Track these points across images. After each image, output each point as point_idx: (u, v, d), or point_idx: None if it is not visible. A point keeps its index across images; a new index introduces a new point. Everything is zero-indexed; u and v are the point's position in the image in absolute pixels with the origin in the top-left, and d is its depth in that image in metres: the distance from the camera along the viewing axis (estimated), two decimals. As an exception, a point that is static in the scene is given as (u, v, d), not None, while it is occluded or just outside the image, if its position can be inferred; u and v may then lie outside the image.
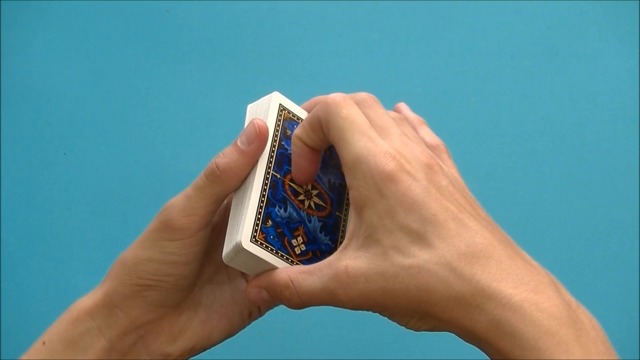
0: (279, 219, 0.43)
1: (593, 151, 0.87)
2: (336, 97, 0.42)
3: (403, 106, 0.50)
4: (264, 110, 0.45)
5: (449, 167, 0.45)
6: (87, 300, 0.48)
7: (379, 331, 0.85)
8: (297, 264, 0.43)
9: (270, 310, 0.88)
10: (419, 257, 0.38)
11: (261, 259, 0.42)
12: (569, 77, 0.88)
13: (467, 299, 0.37)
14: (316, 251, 0.44)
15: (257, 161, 0.44)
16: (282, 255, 0.43)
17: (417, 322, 0.40)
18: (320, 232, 0.45)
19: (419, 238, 0.38)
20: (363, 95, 0.44)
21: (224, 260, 0.43)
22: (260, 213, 0.43)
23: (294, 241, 0.44)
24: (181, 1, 0.88)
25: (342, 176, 0.46)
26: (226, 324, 0.51)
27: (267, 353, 0.85)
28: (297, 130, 0.44)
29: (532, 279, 0.37)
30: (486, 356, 0.39)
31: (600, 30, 0.88)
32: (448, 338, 0.84)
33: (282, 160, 0.45)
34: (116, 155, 0.87)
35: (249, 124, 0.45)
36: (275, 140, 0.44)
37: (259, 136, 0.44)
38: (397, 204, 0.38)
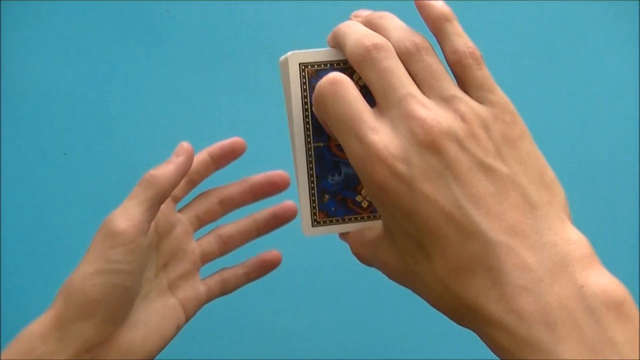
0: (335, 187, 0.43)
1: (593, 151, 0.87)
2: (322, 86, 0.39)
3: (423, 4, 0.46)
4: (285, 75, 0.44)
5: (474, 96, 0.40)
6: (37, 325, 0.48)
7: (379, 331, 0.85)
8: (368, 217, 0.43)
9: (270, 311, 0.88)
10: (423, 267, 0.37)
11: (330, 232, 0.43)
12: (569, 77, 0.88)
13: (461, 314, 0.37)
14: None
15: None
16: (349, 219, 0.43)
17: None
18: None
19: (421, 246, 0.37)
20: (369, 42, 0.40)
21: (305, 235, 0.44)
22: (313, 194, 0.42)
23: (358, 198, 0.43)
24: (181, 1, 0.88)
25: None
26: (161, 339, 0.53)
27: (267, 353, 0.85)
28: (314, 111, 0.43)
29: (524, 276, 0.35)
30: (483, 357, 0.39)
31: (600, 30, 0.88)
32: (448, 338, 0.84)
33: (318, 124, 0.42)
34: (116, 155, 0.87)
35: (179, 146, 0.53)
36: (307, 107, 0.42)
37: (186, 151, 0.52)
38: (396, 211, 0.37)
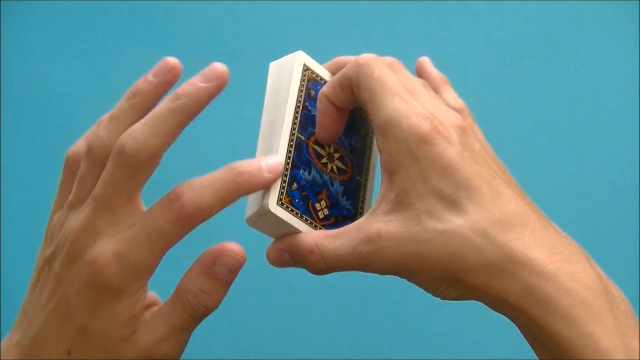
0: (303, 182, 0.42)
1: (593, 151, 0.87)
2: (368, 57, 0.42)
3: (425, 61, 0.50)
4: (288, 69, 0.45)
5: (477, 132, 0.45)
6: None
7: (379, 331, 0.85)
8: (320, 228, 0.43)
9: (270, 311, 0.88)
10: (452, 222, 0.37)
11: (286, 222, 0.41)
12: (569, 77, 0.88)
13: (499, 266, 0.37)
14: (338, 216, 0.44)
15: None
16: (306, 219, 0.42)
17: (446, 289, 0.39)
18: (342, 196, 0.44)
19: (452, 203, 0.37)
20: (390, 59, 0.44)
21: (246, 223, 0.43)
22: (286, 175, 0.42)
23: (317, 205, 0.43)
24: (181, 1, 0.88)
25: (362, 139, 0.46)
26: None
27: (267, 353, 0.85)
28: (326, 89, 0.43)
29: (566, 249, 0.38)
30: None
31: (600, 30, 0.88)
32: (448, 338, 0.84)
33: (305, 121, 0.44)
34: (116, 155, 0.87)
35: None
36: (300, 101, 0.44)
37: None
38: (431, 168, 0.38)
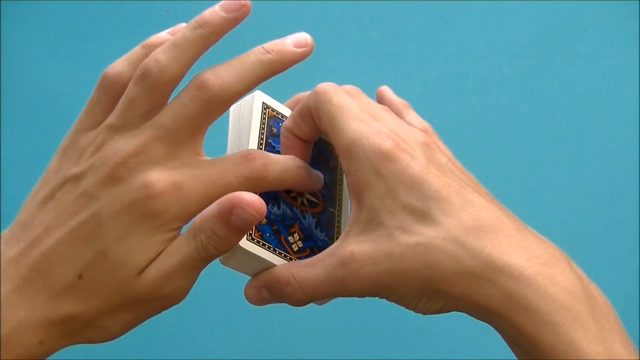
0: (273, 216, 0.42)
1: (593, 151, 0.87)
2: (325, 85, 0.42)
3: (386, 89, 0.50)
4: (247, 110, 0.45)
5: (444, 148, 0.44)
6: None
7: (379, 331, 0.85)
8: (295, 259, 0.42)
9: (270, 310, 0.88)
10: (425, 234, 0.37)
11: (259, 257, 0.41)
12: (569, 77, 0.88)
13: (477, 273, 0.36)
14: (313, 247, 0.43)
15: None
16: (280, 253, 0.42)
17: (426, 302, 0.39)
18: (316, 228, 0.44)
19: (423, 216, 0.37)
20: (349, 87, 0.44)
21: (220, 262, 0.42)
22: None
23: (290, 238, 0.42)
24: (181, 1, 0.88)
25: (331, 172, 0.46)
26: None
27: (267, 353, 0.85)
28: (287, 122, 0.43)
29: (544, 252, 0.37)
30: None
31: (600, 30, 0.88)
32: (448, 338, 0.84)
33: None
34: (116, 155, 0.87)
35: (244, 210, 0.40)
36: (262, 138, 0.44)
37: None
38: (397, 183, 0.37)
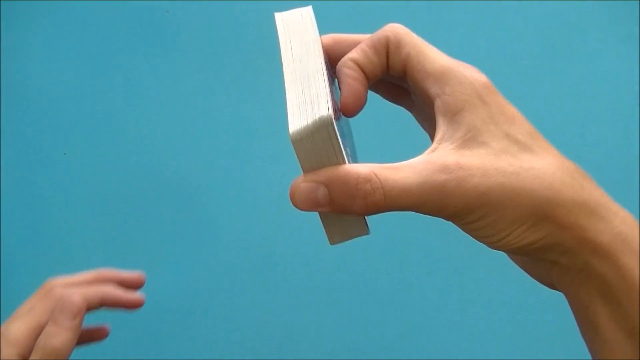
0: (337, 122, 0.36)
1: (593, 151, 0.87)
2: (399, 24, 0.42)
3: None
4: (302, 18, 0.43)
5: None
6: None
7: (379, 331, 0.85)
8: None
9: (270, 310, 0.88)
10: (536, 162, 0.36)
11: (338, 146, 0.34)
12: (569, 77, 0.88)
13: (593, 207, 0.36)
14: None
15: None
16: (347, 153, 0.36)
17: (524, 230, 0.35)
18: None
19: (527, 148, 0.37)
20: None
21: (291, 138, 0.35)
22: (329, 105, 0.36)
23: (346, 149, 0.37)
24: (181, 1, 0.88)
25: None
26: None
27: (267, 353, 0.85)
28: (354, 54, 0.40)
29: (622, 210, 0.38)
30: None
31: (600, 30, 0.88)
32: (447, 338, 0.84)
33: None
34: (116, 156, 0.87)
35: (69, 303, 0.51)
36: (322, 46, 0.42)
37: (82, 312, 0.51)
38: (500, 113, 0.37)
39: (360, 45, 0.40)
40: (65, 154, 0.87)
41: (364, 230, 0.37)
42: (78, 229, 0.87)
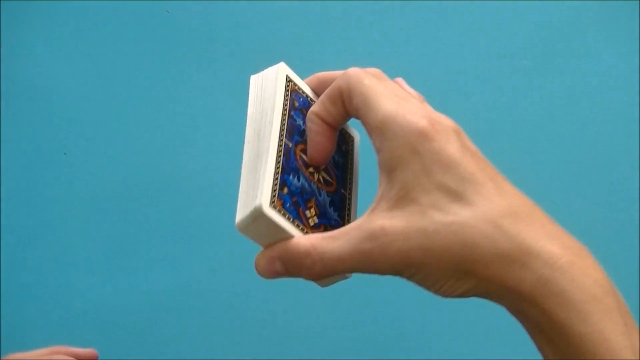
0: (293, 188, 0.41)
1: (593, 151, 0.87)
2: (355, 69, 0.41)
3: (401, 82, 0.50)
4: (272, 80, 0.44)
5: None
6: None
7: (379, 331, 0.85)
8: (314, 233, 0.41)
9: (270, 310, 0.88)
10: (461, 214, 0.37)
11: (279, 226, 0.39)
12: (569, 77, 0.88)
13: (512, 256, 0.36)
14: (327, 225, 0.42)
15: (270, 130, 0.42)
16: (298, 225, 0.40)
17: (454, 283, 0.38)
18: (330, 206, 0.43)
19: (459, 196, 0.37)
20: (375, 70, 0.44)
21: (237, 228, 0.40)
22: (277, 179, 0.40)
23: (307, 212, 0.41)
24: (181, 1, 0.88)
25: (343, 155, 0.46)
26: None
27: (267, 353, 0.85)
28: (315, 108, 0.43)
29: (575, 244, 0.38)
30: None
31: (600, 30, 0.88)
32: (448, 338, 0.84)
33: (292, 129, 0.43)
34: (116, 155, 0.87)
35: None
36: (285, 111, 0.43)
37: None
38: (433, 162, 0.37)
39: (321, 97, 0.43)
40: (65, 154, 0.87)
41: (343, 277, 0.42)
42: (78, 229, 0.87)
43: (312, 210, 0.42)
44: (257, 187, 0.40)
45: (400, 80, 0.49)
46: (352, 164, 0.47)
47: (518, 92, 0.88)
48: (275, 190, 0.40)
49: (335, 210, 0.44)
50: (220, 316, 0.86)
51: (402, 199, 0.38)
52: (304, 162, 0.43)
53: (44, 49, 0.88)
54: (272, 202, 0.39)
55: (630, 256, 0.85)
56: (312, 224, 0.41)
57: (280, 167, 0.41)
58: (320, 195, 0.44)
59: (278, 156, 0.41)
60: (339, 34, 0.88)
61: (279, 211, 0.39)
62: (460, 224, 0.36)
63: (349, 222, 0.44)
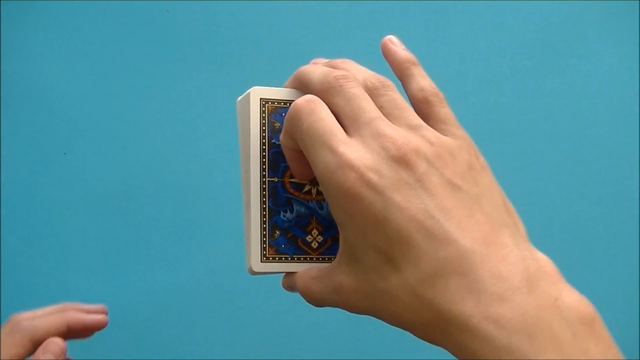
0: (286, 224, 0.42)
1: (593, 151, 0.87)
2: (299, 103, 0.40)
3: (388, 44, 0.47)
4: (245, 110, 0.44)
5: (438, 129, 0.41)
6: None
7: (379, 331, 0.85)
8: (317, 258, 0.43)
9: (270, 310, 0.88)
10: (390, 281, 0.37)
11: (275, 272, 0.43)
12: (569, 77, 0.88)
13: (433, 325, 0.36)
14: (335, 234, 0.43)
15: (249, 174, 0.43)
16: (298, 258, 0.42)
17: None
18: None
19: (389, 259, 0.37)
20: (339, 63, 0.42)
21: (252, 272, 0.44)
22: (265, 229, 0.42)
23: (308, 238, 0.43)
24: (181, 1, 0.88)
25: None
26: None
27: (267, 353, 0.85)
28: (281, 137, 0.42)
29: (500, 284, 0.35)
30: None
31: (600, 30, 0.88)
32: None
33: (276, 160, 0.43)
34: (116, 155, 0.87)
35: (53, 343, 0.53)
36: (264, 142, 0.42)
37: (64, 352, 0.53)
38: (365, 223, 0.37)
39: (284, 126, 0.42)
40: (65, 154, 0.87)
41: None
42: (78, 229, 0.87)
43: (314, 231, 0.43)
44: (248, 245, 0.42)
45: (388, 41, 0.47)
46: None
47: (518, 92, 0.88)
48: (265, 242, 0.42)
49: None
50: (220, 316, 0.86)
51: (351, 258, 0.39)
52: (295, 186, 0.43)
53: (44, 49, 0.88)
54: (263, 257, 0.42)
55: (630, 256, 0.85)
56: (315, 246, 0.43)
57: (268, 212, 0.42)
58: (322, 208, 0.44)
59: (262, 202, 0.42)
60: (339, 34, 0.88)
61: (273, 259, 0.42)
62: (388, 294, 0.37)
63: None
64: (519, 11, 0.88)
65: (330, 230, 0.43)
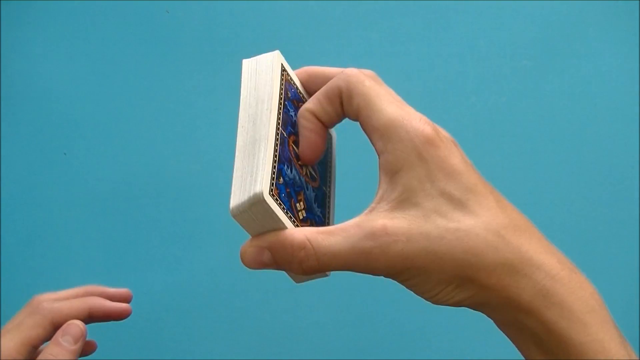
0: (287, 178, 0.41)
1: (593, 151, 0.87)
2: (353, 69, 0.41)
3: None
4: (266, 67, 0.43)
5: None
6: None
7: (379, 331, 0.85)
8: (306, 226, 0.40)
9: (270, 310, 0.88)
10: (464, 222, 0.37)
11: (275, 215, 0.38)
12: (569, 77, 0.88)
13: (515, 266, 0.37)
14: (312, 221, 0.42)
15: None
16: (290, 217, 0.40)
17: (451, 290, 0.38)
18: (314, 202, 0.43)
19: (461, 205, 0.37)
20: (371, 72, 0.44)
21: (231, 213, 0.39)
22: (274, 167, 0.40)
23: (298, 205, 0.41)
24: (181, 1, 0.88)
25: (324, 153, 0.45)
26: None
27: (267, 353, 0.85)
28: (310, 105, 0.42)
29: (568, 261, 0.39)
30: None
31: (600, 30, 0.88)
32: (448, 339, 0.84)
33: (285, 120, 0.42)
34: (116, 156, 0.87)
35: (73, 325, 0.52)
36: (281, 100, 0.42)
37: (84, 335, 0.52)
38: (438, 169, 0.38)
39: (316, 94, 0.42)
40: (65, 154, 0.87)
41: (323, 275, 0.41)
42: (78, 229, 0.87)
43: (302, 203, 0.42)
44: (256, 173, 0.39)
45: None
46: (330, 163, 0.47)
47: (518, 92, 0.88)
48: (273, 178, 0.39)
49: (318, 207, 0.44)
50: (220, 316, 0.86)
51: (404, 202, 0.38)
52: (295, 154, 0.42)
53: (44, 49, 0.88)
54: (271, 190, 0.38)
55: (630, 256, 0.85)
56: (301, 217, 0.41)
57: (277, 156, 0.40)
58: (307, 189, 0.43)
59: (275, 144, 0.40)
60: (339, 34, 0.88)
61: (276, 200, 0.39)
62: (464, 231, 0.37)
63: (328, 220, 0.44)
64: (519, 11, 0.88)
65: (310, 213, 0.42)
